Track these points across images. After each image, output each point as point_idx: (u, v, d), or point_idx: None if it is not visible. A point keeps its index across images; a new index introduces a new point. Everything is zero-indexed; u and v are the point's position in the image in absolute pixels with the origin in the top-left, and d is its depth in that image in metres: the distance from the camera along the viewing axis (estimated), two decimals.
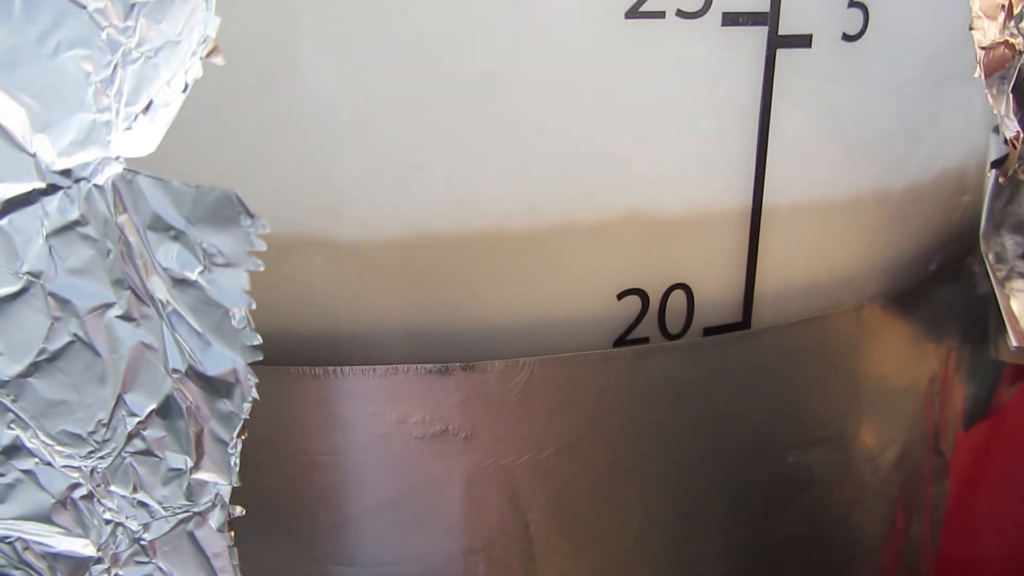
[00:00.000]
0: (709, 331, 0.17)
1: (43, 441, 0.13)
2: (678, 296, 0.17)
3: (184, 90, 0.11)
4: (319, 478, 0.16)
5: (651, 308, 0.17)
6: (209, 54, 0.11)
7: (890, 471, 0.22)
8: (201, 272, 0.12)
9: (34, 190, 0.12)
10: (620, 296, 0.16)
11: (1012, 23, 0.15)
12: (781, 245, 0.17)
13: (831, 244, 0.18)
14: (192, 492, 0.13)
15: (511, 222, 0.16)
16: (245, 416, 0.12)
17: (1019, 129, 0.16)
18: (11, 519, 0.14)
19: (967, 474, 0.36)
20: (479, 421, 0.16)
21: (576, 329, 0.17)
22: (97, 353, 0.13)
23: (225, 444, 0.12)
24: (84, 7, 0.12)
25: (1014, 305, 0.22)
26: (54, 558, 0.14)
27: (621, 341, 0.17)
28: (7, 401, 0.13)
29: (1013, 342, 0.20)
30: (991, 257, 0.21)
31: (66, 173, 0.12)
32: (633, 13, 0.15)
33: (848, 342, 0.19)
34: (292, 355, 0.16)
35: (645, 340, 0.17)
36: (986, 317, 0.25)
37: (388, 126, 0.15)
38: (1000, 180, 0.17)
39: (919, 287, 0.21)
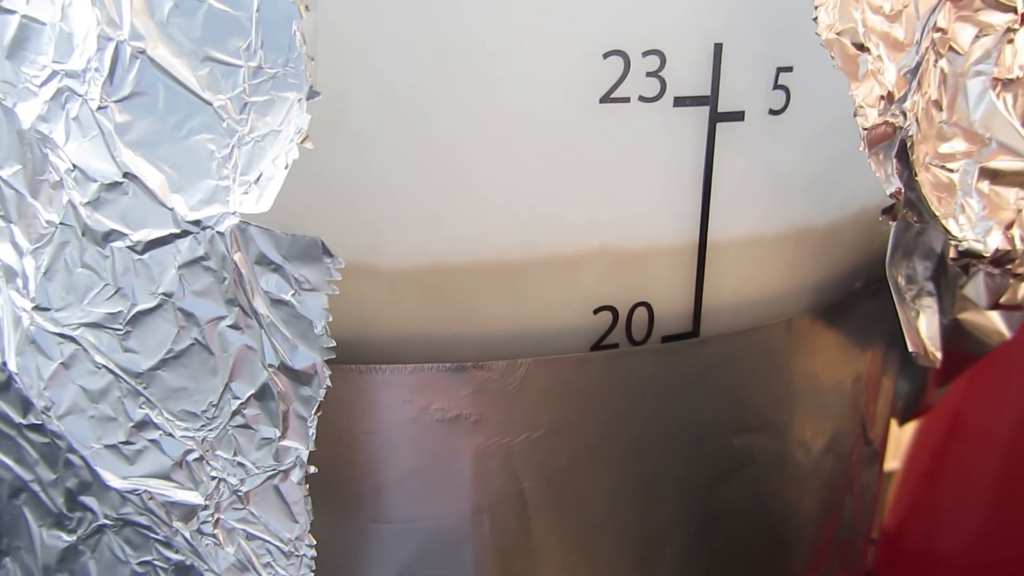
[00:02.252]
0: (667, 339, 0.22)
1: (166, 418, 0.18)
2: (641, 311, 0.21)
3: (286, 167, 0.16)
4: (361, 452, 0.21)
5: (620, 321, 0.21)
6: (303, 141, 0.16)
7: (820, 455, 0.26)
8: (292, 295, 0.16)
9: (171, 234, 0.17)
10: (595, 311, 0.21)
11: (894, 106, 0.20)
12: (723, 271, 0.22)
13: (764, 270, 0.23)
14: (278, 455, 0.17)
15: (510, 255, 0.20)
16: (320, 399, 0.17)
17: (899, 186, 0.20)
18: (139, 476, 0.18)
19: (927, 471, 0.39)
20: (486, 408, 0.20)
21: (561, 337, 0.21)
22: (211, 352, 0.17)
23: (305, 420, 0.17)
24: (210, 104, 0.16)
25: (921, 320, 0.27)
26: (171, 505, 0.18)
27: (596, 346, 0.21)
28: (140, 387, 0.18)
29: (911, 349, 0.24)
30: (901, 280, 0.26)
31: (195, 223, 0.16)
32: (605, 99, 0.19)
33: (781, 348, 0.24)
34: (342, 355, 0.20)
35: (615, 346, 0.21)
36: None
37: (417, 186, 0.19)
38: (891, 222, 0.22)
39: (845, 301, 0.26)
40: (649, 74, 0.19)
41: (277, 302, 0.16)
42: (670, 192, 0.21)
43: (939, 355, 0.26)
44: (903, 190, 0.20)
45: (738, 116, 0.21)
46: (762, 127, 0.21)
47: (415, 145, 0.19)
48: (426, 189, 0.19)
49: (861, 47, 0.19)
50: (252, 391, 0.17)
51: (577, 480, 0.22)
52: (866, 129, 0.19)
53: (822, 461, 0.27)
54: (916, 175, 0.21)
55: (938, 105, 0.22)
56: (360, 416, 0.20)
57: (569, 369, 0.21)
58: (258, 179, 0.16)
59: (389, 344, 0.21)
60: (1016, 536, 0.36)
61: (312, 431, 0.17)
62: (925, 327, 0.27)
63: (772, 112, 0.21)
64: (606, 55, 0.19)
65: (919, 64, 0.21)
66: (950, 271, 0.26)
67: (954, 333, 0.28)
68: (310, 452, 0.17)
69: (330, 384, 0.17)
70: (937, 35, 0.21)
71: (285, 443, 0.17)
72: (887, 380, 0.31)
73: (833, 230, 0.24)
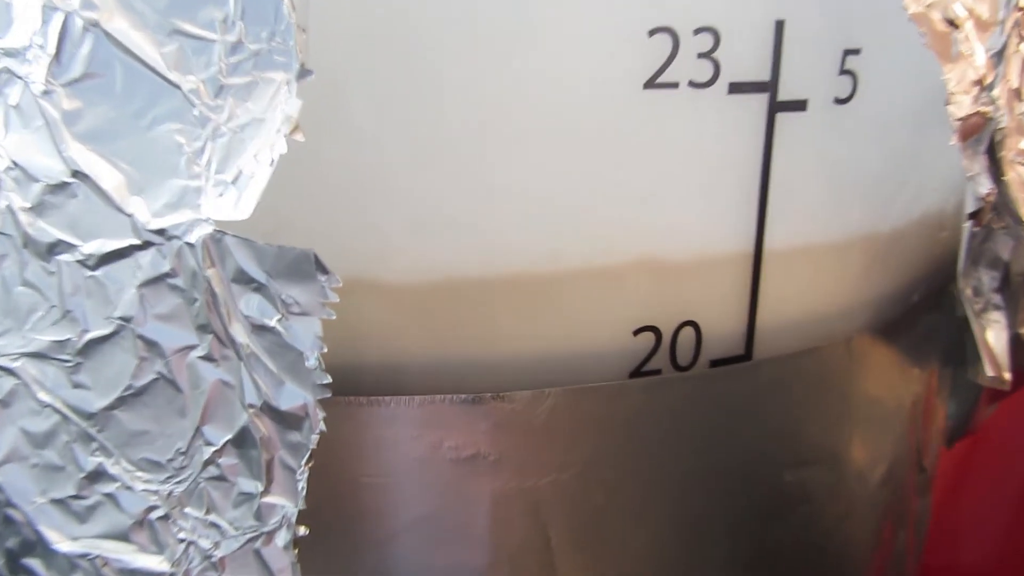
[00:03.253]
0: (715, 363, 0.19)
1: (124, 467, 0.15)
2: (687, 332, 0.19)
3: (271, 164, 0.13)
4: (361, 498, 0.18)
5: (663, 343, 0.18)
6: (292, 132, 0.13)
7: (878, 487, 0.24)
8: (279, 320, 0.13)
9: (130, 246, 0.14)
10: (635, 332, 0.18)
11: (984, 93, 0.17)
12: (779, 285, 0.19)
13: (823, 283, 0.20)
14: (261, 514, 0.14)
15: (536, 268, 0.17)
16: (313, 446, 0.14)
17: (992, 186, 0.17)
18: (91, 537, 0.15)
19: (950, 484, 0.38)
20: (507, 446, 0.18)
21: (595, 362, 0.18)
22: (179, 389, 0.14)
23: (293, 471, 0.14)
24: (178, 87, 0.13)
25: (989, 336, 0.24)
26: (130, 573, 0.15)
27: (636, 373, 0.18)
28: (93, 431, 0.15)
29: (988, 372, 0.22)
30: (969, 292, 0.23)
31: (160, 232, 0.13)
32: (650, 84, 0.16)
33: (839, 371, 0.21)
34: (338, 385, 0.17)
35: (657, 372, 0.19)
36: (965, 342, 0.27)
37: (429, 186, 0.16)
38: (975, 229, 0.19)
39: (903, 317, 0.23)
40: (701, 55, 0.17)
41: (260, 329, 0.13)
42: (722, 193, 0.18)
43: (1008, 376, 0.24)
44: (995, 190, 0.18)
45: (800, 105, 0.18)
46: (826, 118, 0.18)
47: (425, 140, 0.16)
48: (438, 192, 0.17)
49: (952, 23, 0.17)
50: (229, 436, 0.14)
51: (612, 527, 0.19)
52: (959, 120, 0.16)
53: (878, 494, 0.24)
54: (1004, 174, 0.18)
55: (1019, 95, 0.19)
56: (360, 456, 0.17)
57: (604, 399, 0.18)
58: (236, 178, 0.13)
59: (394, 372, 0.18)
60: None
61: (302, 485, 0.14)
62: (994, 344, 0.24)
63: (838, 101, 0.18)
64: (651, 32, 0.16)
65: (1004, 47, 0.18)
66: (1013, 282, 0.24)
67: (1013, 348, 0.26)
68: (300, 511, 0.14)
69: (324, 428, 0.14)
70: (1019, 15, 0.19)
71: (269, 499, 0.14)
72: (940, 401, 0.28)
73: (897, 236, 0.21)
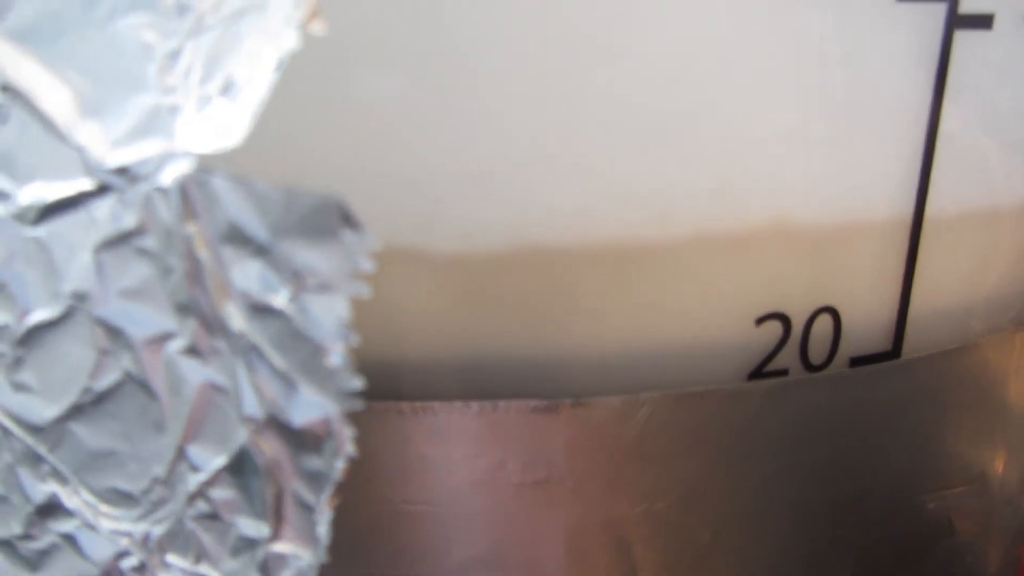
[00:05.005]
0: (856, 361, 0.15)
1: (85, 500, 0.11)
2: (823, 321, 0.14)
3: (277, 67, 0.09)
4: (401, 529, 0.14)
5: (793, 335, 0.14)
6: (309, 21, 0.09)
7: None
8: (289, 298, 0.09)
9: (80, 193, 0.10)
10: (759, 321, 0.14)
11: None
12: (941, 262, 0.15)
13: (988, 261, 0.16)
14: (268, 567, 0.10)
15: (635, 232, 0.13)
16: (337, 476, 0.10)
17: None
18: None
19: None
20: (588, 466, 0.14)
21: (706, 360, 0.14)
22: (154, 394, 0.10)
23: (311, 510, 0.10)
24: None
25: None
26: None
27: (757, 373, 0.14)
28: (43, 450, 0.11)
29: None
30: None
31: (121, 171, 0.09)
32: None
33: (1001, 371, 0.17)
34: (373, 387, 0.13)
35: (785, 372, 0.14)
36: None
37: (490, 123, 0.12)
38: None
39: None
40: None
41: (262, 310, 0.09)
42: (878, 139, 0.14)
43: None
44: None
45: (985, 21, 0.13)
46: (1014, 41, 0.14)
47: (493, 58, 0.12)
48: (504, 134, 0.12)
49: None
50: (222, 461, 0.10)
51: (719, 566, 0.15)
52: None
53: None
54: None
55: None
56: (400, 478, 0.14)
57: (715, 407, 0.14)
58: (226, 89, 0.09)
59: (443, 371, 0.14)
60: None
61: (323, 529, 0.10)
62: None
63: None
64: None
65: None
66: None
67: None
68: (320, 564, 0.10)
69: (353, 451, 0.10)
70: None
71: (279, 547, 0.10)
72: None
73: None
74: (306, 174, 0.12)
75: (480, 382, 0.14)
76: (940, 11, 0.13)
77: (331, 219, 0.09)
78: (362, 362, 0.14)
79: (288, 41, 0.09)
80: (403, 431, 0.13)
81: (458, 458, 0.14)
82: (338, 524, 0.14)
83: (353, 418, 0.13)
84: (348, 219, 0.09)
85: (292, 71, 0.11)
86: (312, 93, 0.12)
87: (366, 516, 0.14)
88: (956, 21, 0.13)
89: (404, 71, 0.12)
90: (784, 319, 0.14)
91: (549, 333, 0.14)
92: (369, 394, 0.13)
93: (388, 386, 0.14)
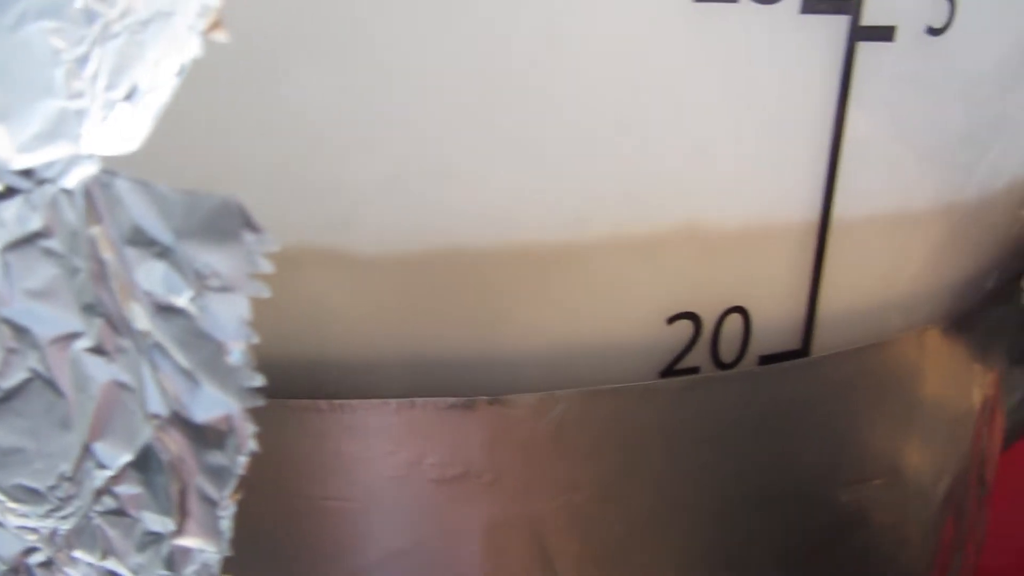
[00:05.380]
0: (766, 359, 0.15)
1: None
2: (734, 320, 0.15)
3: (179, 73, 0.09)
4: (320, 526, 0.14)
5: (704, 333, 0.15)
6: (211, 29, 0.09)
7: (941, 505, 0.20)
8: (192, 298, 0.09)
9: None
10: (670, 320, 0.14)
11: None
12: (848, 263, 0.15)
13: (897, 262, 0.16)
14: (173, 561, 0.10)
15: (549, 235, 0.13)
16: (240, 471, 0.10)
17: None
18: None
19: None
20: (505, 463, 0.14)
21: (618, 358, 0.14)
22: (60, 393, 0.10)
23: (214, 504, 0.10)
24: None
25: None
26: None
27: (668, 371, 0.15)
28: None
29: None
30: None
31: (27, 173, 0.10)
32: None
33: (909, 369, 0.17)
34: (290, 386, 0.14)
35: (696, 369, 0.15)
36: None
37: (410, 125, 0.13)
38: None
39: (975, 307, 0.19)
40: None
41: (166, 310, 0.10)
42: (786, 144, 0.14)
43: None
44: None
45: (886, 33, 0.14)
46: (916, 52, 0.14)
47: (410, 59, 0.12)
48: (422, 136, 0.13)
49: None
50: (128, 457, 0.10)
51: (634, 561, 0.15)
52: None
53: (941, 513, 0.21)
54: None
55: None
56: (318, 475, 0.14)
57: (629, 404, 0.14)
58: (131, 94, 0.09)
59: (365, 370, 0.14)
60: None
61: (226, 523, 0.10)
62: None
63: (931, 31, 0.14)
64: None
65: None
66: None
67: None
68: (224, 557, 0.10)
69: (255, 447, 0.10)
70: None
71: (183, 541, 0.10)
72: (1001, 404, 0.24)
73: (980, 207, 0.18)
74: (225, 176, 0.13)
75: (399, 380, 0.14)
76: (843, 23, 0.14)
77: (231, 221, 0.09)
78: (281, 361, 0.14)
79: (191, 49, 0.09)
80: (322, 428, 0.14)
81: (377, 455, 0.14)
82: (257, 521, 0.14)
83: (272, 416, 0.13)
84: (248, 221, 0.09)
85: (211, 74, 0.12)
86: (231, 96, 0.12)
87: (285, 513, 0.14)
88: (859, 32, 0.14)
89: (323, 72, 0.12)
90: (695, 318, 0.15)
91: (467, 333, 0.14)
92: (290, 392, 0.14)
93: (309, 385, 0.14)
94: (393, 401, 0.13)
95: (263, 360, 0.12)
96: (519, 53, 0.13)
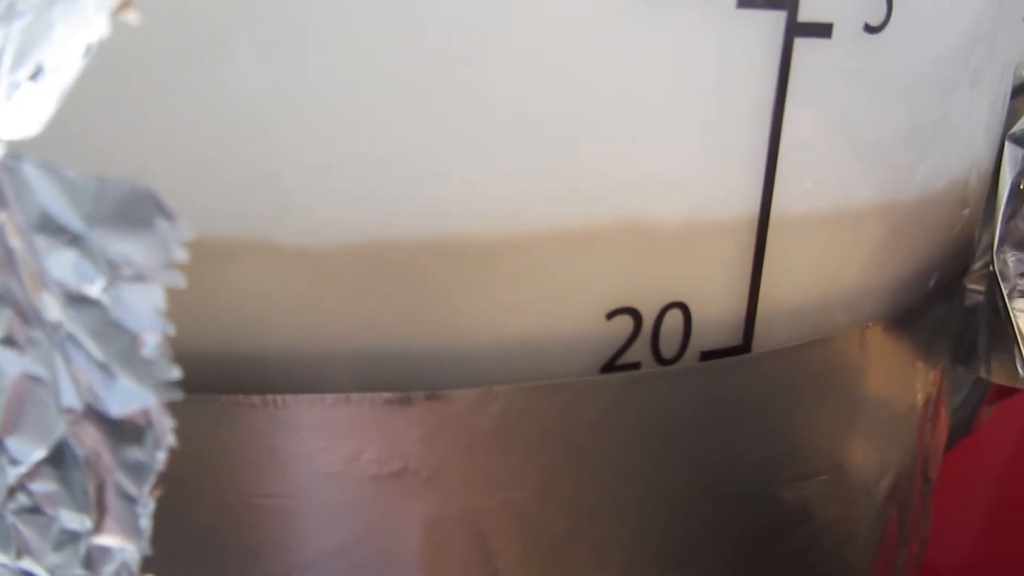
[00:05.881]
0: (707, 355, 0.15)
1: None
2: (674, 316, 0.15)
3: (85, 54, 0.08)
4: (255, 523, 0.14)
5: (644, 329, 0.15)
6: (120, 9, 0.09)
7: (883, 502, 0.20)
8: (104, 288, 0.09)
9: None
10: (609, 316, 0.14)
11: None
12: (788, 260, 0.15)
13: (838, 259, 0.17)
14: (92, 560, 0.10)
15: (485, 229, 0.13)
16: (159, 467, 0.10)
17: None
18: None
19: None
20: (444, 459, 0.14)
21: (558, 353, 0.14)
22: None
23: (133, 501, 0.10)
24: None
25: (1020, 325, 0.21)
26: None
27: (609, 367, 0.15)
28: None
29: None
30: (997, 276, 0.20)
31: None
32: None
33: (851, 366, 0.17)
34: (222, 380, 0.13)
35: (636, 365, 0.15)
36: (975, 334, 0.24)
37: (343, 114, 0.12)
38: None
39: (917, 305, 0.20)
40: None
41: (78, 300, 0.09)
42: (724, 140, 0.14)
43: None
44: None
45: (824, 30, 0.14)
46: (853, 49, 0.15)
47: (342, 48, 0.12)
48: (355, 124, 0.12)
49: None
50: (42, 453, 0.10)
51: (576, 558, 0.15)
52: None
53: (884, 510, 0.21)
54: None
55: None
56: (252, 472, 0.14)
57: (568, 400, 0.14)
58: (36, 75, 0.09)
59: (297, 362, 0.14)
60: (1016, 554, 0.36)
61: (146, 521, 0.10)
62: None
63: (868, 29, 0.15)
64: None
65: None
66: None
67: None
68: (144, 556, 0.10)
69: (173, 441, 0.10)
70: None
71: (101, 540, 0.10)
72: (944, 402, 0.25)
73: (920, 207, 0.18)
74: (154, 163, 0.12)
75: (341, 375, 0.14)
76: (780, 19, 0.14)
77: (145, 208, 0.09)
78: (219, 356, 0.14)
79: (99, 29, 0.09)
80: (255, 424, 0.13)
81: (312, 451, 0.14)
82: (190, 519, 0.14)
83: (204, 411, 0.13)
84: (161, 208, 0.09)
85: (140, 59, 0.11)
86: (162, 81, 0.12)
87: (219, 510, 0.14)
88: (796, 29, 0.14)
89: (256, 60, 0.12)
90: (635, 314, 0.14)
91: (405, 327, 0.14)
92: (232, 387, 0.13)
93: (252, 380, 0.14)
94: (328, 396, 0.13)
95: (199, 354, 0.12)
96: (456, 44, 0.13)
